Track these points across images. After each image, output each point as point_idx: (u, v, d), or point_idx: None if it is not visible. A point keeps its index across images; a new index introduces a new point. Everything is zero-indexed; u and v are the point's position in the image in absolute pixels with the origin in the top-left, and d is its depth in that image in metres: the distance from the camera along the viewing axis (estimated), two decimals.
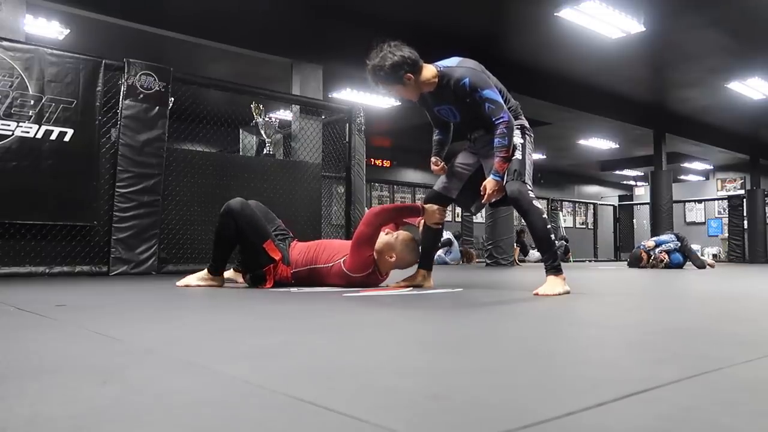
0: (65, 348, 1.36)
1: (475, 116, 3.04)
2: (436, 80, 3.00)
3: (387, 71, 2.92)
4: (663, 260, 7.58)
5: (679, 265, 7.77)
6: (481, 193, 3.01)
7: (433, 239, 3.44)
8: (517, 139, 3.05)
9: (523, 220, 3.19)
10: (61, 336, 1.53)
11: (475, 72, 2.98)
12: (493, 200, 3.03)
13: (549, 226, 3.05)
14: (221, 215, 3.25)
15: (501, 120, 2.90)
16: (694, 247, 9.01)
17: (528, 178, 3.05)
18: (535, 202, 3.00)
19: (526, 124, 3.18)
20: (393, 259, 3.21)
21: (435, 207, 3.32)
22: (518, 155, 3.02)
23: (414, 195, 12.45)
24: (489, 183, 2.97)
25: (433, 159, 3.33)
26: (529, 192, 3.01)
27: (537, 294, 2.81)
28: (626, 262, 9.11)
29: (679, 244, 7.74)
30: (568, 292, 2.89)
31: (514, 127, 3.01)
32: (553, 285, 2.88)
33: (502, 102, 2.95)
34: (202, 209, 5.41)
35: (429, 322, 1.99)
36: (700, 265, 7.75)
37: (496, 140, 2.91)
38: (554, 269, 2.95)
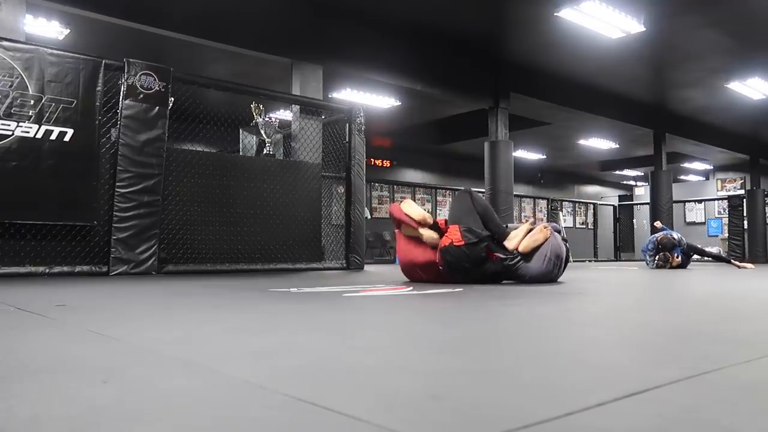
0: (65, 348, 1.36)
1: None
2: None
3: None
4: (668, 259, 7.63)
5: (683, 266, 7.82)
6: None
7: None
8: None
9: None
10: (61, 336, 1.53)
11: None
12: None
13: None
14: None
15: None
16: (713, 250, 9.17)
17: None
18: None
19: None
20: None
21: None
22: None
23: (414, 195, 12.40)
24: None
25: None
26: None
27: None
28: (642, 263, 9.33)
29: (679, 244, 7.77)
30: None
31: None
32: None
33: None
34: (202, 209, 5.41)
35: (429, 322, 1.99)
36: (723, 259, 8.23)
37: None
38: None
